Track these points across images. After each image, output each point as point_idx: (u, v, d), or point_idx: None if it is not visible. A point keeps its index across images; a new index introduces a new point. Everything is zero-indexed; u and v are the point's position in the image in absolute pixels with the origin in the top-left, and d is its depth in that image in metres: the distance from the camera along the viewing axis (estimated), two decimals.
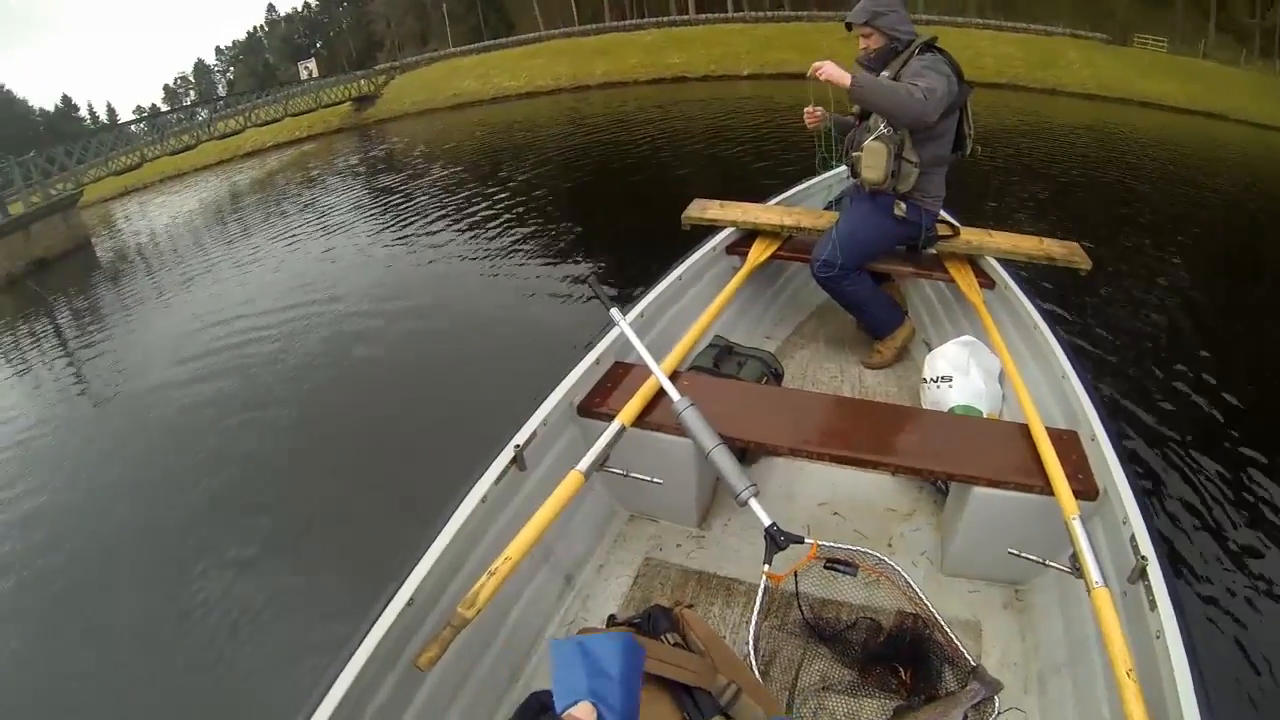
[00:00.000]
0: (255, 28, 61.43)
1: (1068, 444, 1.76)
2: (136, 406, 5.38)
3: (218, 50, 64.50)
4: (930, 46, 2.36)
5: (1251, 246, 7.31)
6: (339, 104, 21.06)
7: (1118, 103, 16.11)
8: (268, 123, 19.50)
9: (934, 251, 2.76)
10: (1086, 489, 1.61)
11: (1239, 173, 10.69)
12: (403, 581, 1.32)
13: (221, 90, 57.95)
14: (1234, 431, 3.61)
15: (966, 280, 2.67)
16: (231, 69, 62.21)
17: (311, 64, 41.94)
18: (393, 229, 7.56)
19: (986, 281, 2.69)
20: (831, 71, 2.30)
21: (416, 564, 1.37)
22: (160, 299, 8.24)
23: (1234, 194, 9.22)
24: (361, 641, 1.21)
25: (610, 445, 1.75)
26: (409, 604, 1.30)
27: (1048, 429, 1.77)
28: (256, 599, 3.02)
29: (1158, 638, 1.23)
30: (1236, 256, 6.86)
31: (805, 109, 2.57)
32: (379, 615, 1.26)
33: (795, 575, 1.63)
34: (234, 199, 13.79)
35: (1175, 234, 6.85)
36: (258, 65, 57.90)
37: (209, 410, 4.87)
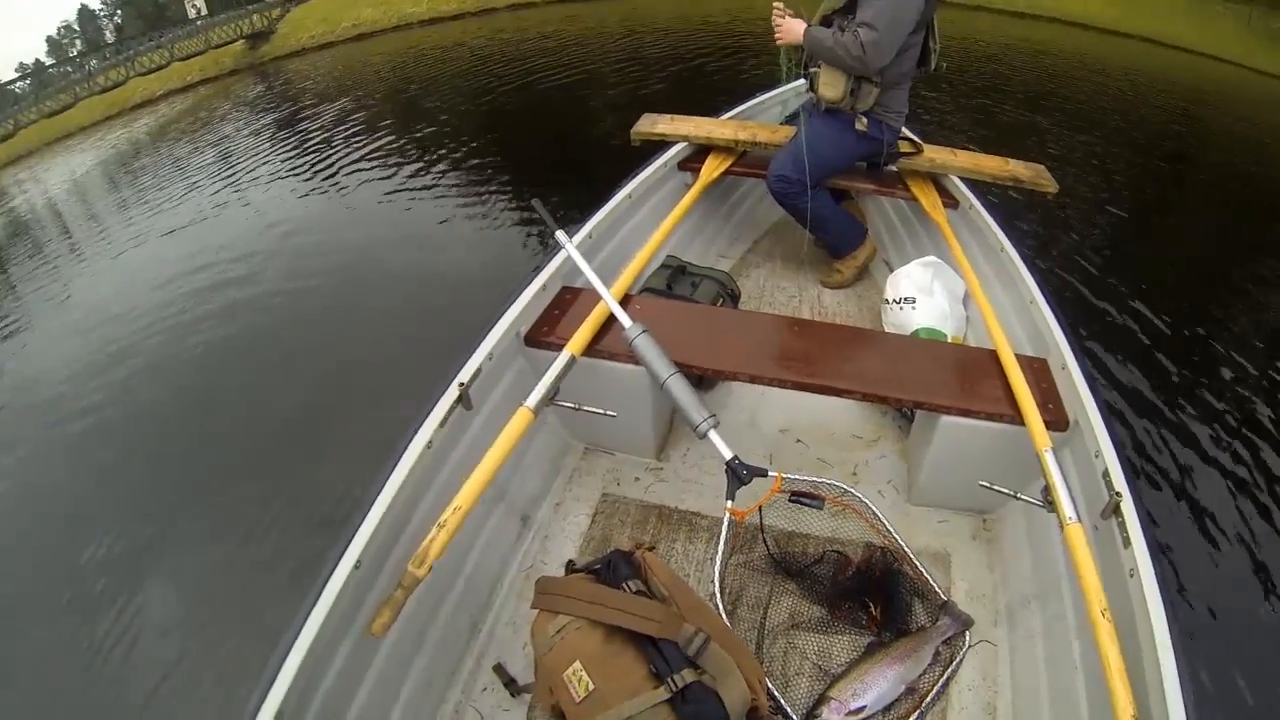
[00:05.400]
0: None
1: (1037, 372, 1.70)
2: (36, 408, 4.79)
3: None
4: None
5: (1198, 167, 7.39)
6: (230, 43, 19.29)
7: (1047, 22, 15.95)
8: (153, 70, 17.58)
9: (895, 169, 2.64)
10: (1057, 419, 1.56)
11: (1178, 97, 10.81)
12: (348, 543, 1.23)
13: (110, 36, 52.03)
14: (1201, 360, 3.58)
15: (930, 199, 2.56)
16: (119, 12, 55.81)
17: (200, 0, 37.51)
18: (305, 173, 6.88)
19: (950, 201, 2.59)
20: (787, 34, 2.32)
21: (362, 522, 1.26)
22: (56, 280, 7.31)
23: (1172, 117, 9.28)
24: (310, 611, 1.14)
25: (560, 377, 1.62)
26: (356, 567, 1.20)
27: (1016, 356, 1.70)
28: (201, 575, 2.78)
29: (1131, 576, 1.19)
30: (1184, 178, 6.93)
31: (774, 5, 2.36)
32: (326, 582, 1.18)
33: (760, 510, 1.54)
34: (124, 158, 12.24)
35: (1123, 158, 6.85)
36: (146, 5, 52.16)
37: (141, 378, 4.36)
